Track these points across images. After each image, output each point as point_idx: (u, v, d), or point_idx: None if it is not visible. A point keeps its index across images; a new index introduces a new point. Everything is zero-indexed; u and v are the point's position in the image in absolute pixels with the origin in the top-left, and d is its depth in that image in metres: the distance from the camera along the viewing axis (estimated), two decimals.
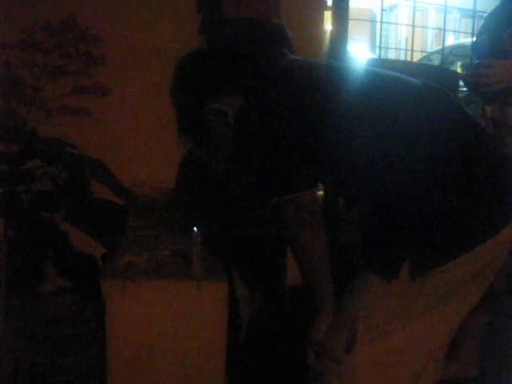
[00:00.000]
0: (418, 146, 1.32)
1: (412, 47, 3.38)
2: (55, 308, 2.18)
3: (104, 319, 1.63)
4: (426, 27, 8.08)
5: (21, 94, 1.70)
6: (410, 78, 1.48)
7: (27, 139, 1.70)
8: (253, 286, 2.12)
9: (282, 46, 1.62)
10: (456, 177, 1.32)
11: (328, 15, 2.78)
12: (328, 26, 2.83)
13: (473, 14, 3.11)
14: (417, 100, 1.41)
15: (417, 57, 5.26)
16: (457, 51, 5.52)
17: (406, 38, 7.20)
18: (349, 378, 1.38)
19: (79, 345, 2.04)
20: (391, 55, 5.87)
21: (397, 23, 8.65)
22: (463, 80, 2.02)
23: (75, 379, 2.03)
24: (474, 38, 2.29)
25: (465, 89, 2.33)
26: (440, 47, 4.92)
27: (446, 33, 3.56)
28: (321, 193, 1.97)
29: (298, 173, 1.42)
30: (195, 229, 1.63)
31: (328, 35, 2.81)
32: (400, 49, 6.69)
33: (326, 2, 2.74)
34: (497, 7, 1.96)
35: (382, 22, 3.67)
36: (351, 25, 2.73)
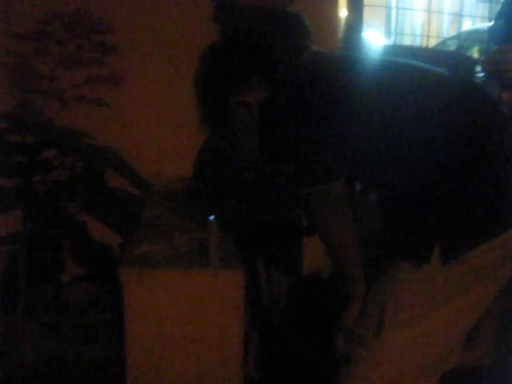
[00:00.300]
0: (445, 133, 1.33)
1: (428, 33, 3.36)
2: (73, 297, 2.20)
3: (121, 308, 1.64)
4: (442, 12, 7.99)
5: (36, 84, 1.71)
6: (437, 68, 1.47)
7: (43, 130, 1.71)
8: (271, 274, 2.13)
9: (302, 37, 1.62)
10: (483, 162, 1.33)
11: (343, 2, 2.76)
12: (343, 12, 2.81)
13: None
14: (446, 91, 1.41)
15: (433, 43, 5.21)
16: (473, 36, 5.45)
17: (423, 24, 7.14)
18: (377, 363, 1.40)
19: (97, 333, 2.06)
20: (407, 41, 5.82)
21: (412, 9, 8.55)
22: (481, 65, 2.00)
23: (93, 367, 2.05)
24: (491, 23, 2.26)
25: (481, 74, 2.31)
26: (456, 33, 4.87)
27: (463, 18, 3.53)
28: None
29: (323, 164, 1.41)
30: (211, 217, 1.63)
31: (343, 22, 2.80)
32: (416, 35, 6.62)
33: None
34: None
35: (397, 8, 3.64)
36: (366, 11, 2.71)
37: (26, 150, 1.70)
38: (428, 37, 3.29)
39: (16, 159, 1.72)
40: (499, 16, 1.98)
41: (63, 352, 2.07)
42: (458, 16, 3.21)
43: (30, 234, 1.79)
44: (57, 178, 1.81)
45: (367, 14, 2.85)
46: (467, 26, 6.36)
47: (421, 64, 1.50)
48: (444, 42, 6.30)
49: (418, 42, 5.27)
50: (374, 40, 5.89)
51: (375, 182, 1.49)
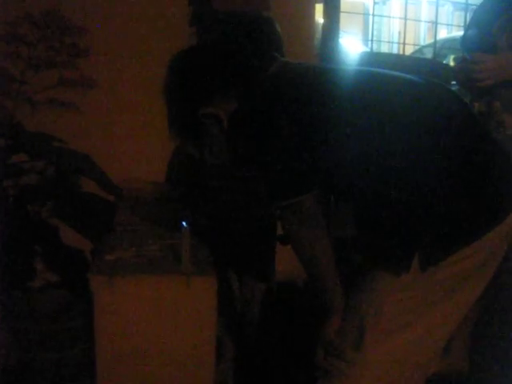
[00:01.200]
0: (422, 139, 1.32)
1: (404, 40, 3.38)
2: (44, 303, 2.16)
3: (92, 314, 1.61)
4: (419, 20, 8.07)
5: (6, 87, 1.67)
6: (411, 76, 1.47)
7: (13, 133, 1.68)
8: (244, 280, 2.11)
9: (274, 42, 1.60)
10: (460, 167, 1.33)
11: (320, 8, 2.76)
12: (320, 18, 2.81)
13: (465, 7, 3.10)
14: (420, 96, 1.41)
15: (409, 50, 5.25)
16: (449, 44, 5.50)
17: (399, 32, 7.20)
18: (357, 377, 1.37)
19: (68, 340, 2.02)
20: (384, 49, 5.85)
21: (389, 16, 8.63)
22: (453, 74, 2.01)
23: (64, 375, 2.01)
24: (463, 32, 2.27)
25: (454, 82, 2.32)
26: (433, 41, 4.90)
27: (439, 26, 3.55)
28: None
29: (293, 178, 1.39)
30: (184, 223, 1.61)
31: (320, 28, 2.80)
32: (393, 42, 6.68)
33: None
34: (486, 0, 1.93)
35: (374, 15, 3.66)
36: (343, 18, 2.71)
37: None
38: (405, 44, 3.30)
39: None
40: (471, 25, 1.98)
41: (33, 359, 2.04)
42: (434, 24, 3.23)
43: (1, 239, 1.75)
44: (27, 182, 1.78)
45: (344, 20, 2.85)
46: (443, 34, 6.43)
47: (395, 72, 1.50)
48: (420, 50, 6.36)
49: (395, 49, 5.31)
50: (352, 47, 5.91)
51: (350, 192, 1.46)
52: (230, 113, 1.44)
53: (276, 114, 1.37)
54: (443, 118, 1.37)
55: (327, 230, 1.43)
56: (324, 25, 2.72)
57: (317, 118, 1.36)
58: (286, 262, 2.02)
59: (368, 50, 4.36)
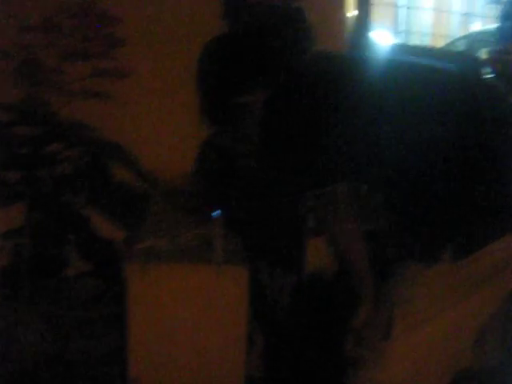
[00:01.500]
0: (457, 130, 1.32)
1: (437, 32, 3.32)
2: (77, 291, 2.19)
3: (124, 303, 1.63)
4: (451, 12, 7.93)
5: (42, 77, 1.70)
6: (445, 66, 1.46)
7: (48, 123, 1.70)
8: (274, 272, 2.11)
9: (304, 36, 1.60)
10: (495, 159, 1.32)
11: (351, 0, 2.74)
12: (351, 11, 2.80)
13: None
14: (454, 88, 1.40)
15: (441, 43, 5.17)
16: (483, 37, 5.41)
17: (431, 24, 7.10)
18: (386, 366, 1.38)
19: (100, 328, 2.05)
20: (415, 41, 5.76)
21: (421, 7, 8.48)
22: (489, 66, 1.98)
23: (96, 362, 2.04)
24: (499, 24, 2.24)
25: (490, 75, 2.28)
26: (466, 33, 4.84)
27: (473, 18, 3.50)
28: None
29: (330, 164, 1.39)
30: (217, 213, 1.62)
31: (351, 21, 2.78)
32: (424, 34, 6.56)
33: None
34: None
35: (406, 7, 3.61)
36: (375, 10, 2.69)
37: (32, 142, 1.68)
38: (436, 36, 3.24)
39: (21, 152, 1.70)
40: (506, 17, 1.95)
41: (65, 347, 2.07)
42: (468, 16, 3.18)
43: (34, 228, 1.78)
44: (61, 171, 1.80)
45: (376, 13, 2.82)
46: (477, 27, 6.31)
47: (428, 62, 1.49)
48: (452, 43, 6.26)
49: (426, 41, 5.23)
50: (382, 39, 5.85)
51: (384, 182, 1.46)
52: (263, 101, 1.44)
53: (311, 100, 1.37)
54: (477, 109, 1.36)
55: (359, 220, 1.43)
56: (355, 18, 2.70)
57: (351, 104, 1.35)
58: (316, 254, 2.02)
59: (398, 42, 4.32)
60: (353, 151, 1.37)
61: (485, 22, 6.65)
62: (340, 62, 1.51)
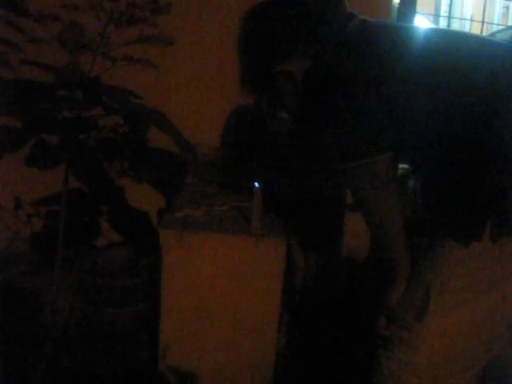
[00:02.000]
0: (500, 104, 1.28)
1: (482, 19, 3.25)
2: (110, 260, 2.20)
3: (155, 273, 1.63)
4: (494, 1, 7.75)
5: (86, 41, 1.68)
6: (494, 38, 1.42)
7: (90, 87, 1.69)
8: (310, 250, 2.09)
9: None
10: None
11: None
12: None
13: None
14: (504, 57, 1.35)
15: (483, 30, 5.05)
16: None
17: (472, 15, 6.97)
18: (418, 347, 1.35)
19: (131, 296, 2.06)
20: (456, 27, 5.66)
21: None
22: None
23: (123, 329, 2.05)
24: None
25: None
26: (507, 25, 4.72)
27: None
28: None
29: (370, 137, 1.35)
30: (256, 184, 1.60)
31: (395, 8, 2.76)
32: (465, 19, 6.43)
33: None
34: None
35: None
36: None
37: (73, 106, 1.68)
38: (478, 22, 3.16)
39: (62, 115, 1.70)
40: None
41: (95, 313, 2.08)
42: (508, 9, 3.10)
43: (70, 195, 1.78)
44: (102, 137, 1.80)
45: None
46: None
47: (477, 34, 1.44)
48: (493, 35, 6.12)
49: (467, 27, 5.12)
50: (424, 26, 5.73)
51: (423, 158, 1.42)
52: (305, 70, 1.41)
53: (354, 70, 1.33)
54: None
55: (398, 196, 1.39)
56: (400, 5, 2.68)
57: (393, 75, 1.32)
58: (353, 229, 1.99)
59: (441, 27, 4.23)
60: (395, 123, 1.33)
61: None
62: (386, 30, 1.46)
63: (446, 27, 3.31)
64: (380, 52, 1.36)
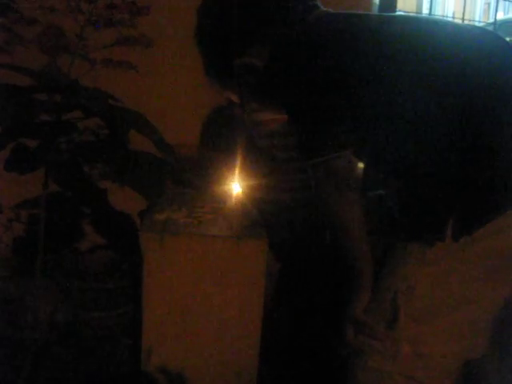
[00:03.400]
0: (464, 100, 1.26)
1: (462, 18, 3.28)
2: (92, 263, 2.19)
3: (139, 275, 1.62)
4: None
5: (65, 43, 1.67)
6: (456, 22, 1.41)
7: (69, 90, 1.68)
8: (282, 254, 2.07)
9: None
10: (500, 133, 1.26)
11: None
12: None
13: None
14: (478, 43, 1.35)
15: None
16: (506, 27, 5.32)
17: (453, 12, 7.01)
18: (392, 355, 1.32)
19: (113, 299, 2.05)
20: None
21: None
22: None
23: (108, 332, 2.04)
24: None
25: None
26: (488, 22, 4.76)
27: (496, 7, 3.45)
28: None
29: (330, 130, 1.32)
30: (236, 187, 1.61)
31: (375, 7, 2.75)
32: (447, 17, 6.45)
33: None
34: None
35: None
36: None
37: (52, 109, 1.67)
38: (460, 20, 3.19)
39: (41, 118, 1.69)
40: None
41: (78, 317, 2.07)
42: (493, 3, 3.12)
43: (51, 198, 1.76)
44: (81, 140, 1.78)
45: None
46: (500, 15, 6.22)
47: (448, 20, 1.42)
48: None
49: None
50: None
51: (384, 157, 1.37)
52: (265, 61, 1.39)
53: (314, 61, 1.30)
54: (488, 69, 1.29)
55: (360, 196, 1.37)
56: (380, 3, 2.67)
57: (355, 65, 1.28)
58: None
59: None
60: (357, 120, 1.31)
61: (506, 11, 6.56)
62: (350, 20, 1.40)
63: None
64: (340, 41, 1.32)
